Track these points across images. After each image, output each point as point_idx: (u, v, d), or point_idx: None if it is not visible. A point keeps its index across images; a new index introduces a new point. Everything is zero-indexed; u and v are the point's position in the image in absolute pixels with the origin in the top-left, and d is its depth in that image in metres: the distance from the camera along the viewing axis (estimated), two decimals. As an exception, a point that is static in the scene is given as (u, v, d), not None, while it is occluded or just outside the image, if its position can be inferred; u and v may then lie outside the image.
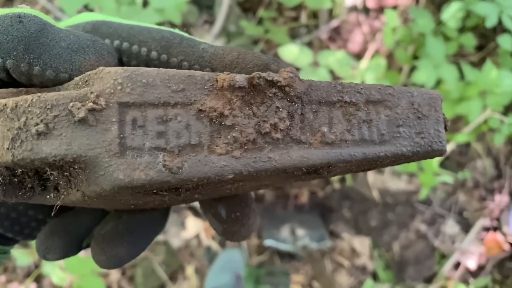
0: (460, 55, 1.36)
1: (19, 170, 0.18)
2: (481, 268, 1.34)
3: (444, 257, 1.35)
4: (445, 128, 0.24)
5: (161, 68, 0.18)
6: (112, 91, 0.17)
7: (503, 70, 1.10)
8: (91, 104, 0.16)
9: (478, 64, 1.36)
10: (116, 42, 0.22)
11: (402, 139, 0.21)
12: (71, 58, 0.18)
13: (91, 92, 0.17)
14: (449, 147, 1.36)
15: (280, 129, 0.19)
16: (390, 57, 1.32)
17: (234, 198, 0.23)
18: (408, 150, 0.21)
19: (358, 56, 1.37)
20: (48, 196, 0.19)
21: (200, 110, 0.18)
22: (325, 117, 0.20)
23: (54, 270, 1.13)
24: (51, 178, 0.19)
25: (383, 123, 0.21)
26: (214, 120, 0.18)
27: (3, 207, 0.24)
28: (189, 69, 0.21)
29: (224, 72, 0.19)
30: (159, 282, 1.25)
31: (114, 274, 1.24)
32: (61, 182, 0.19)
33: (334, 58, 1.10)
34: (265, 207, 1.31)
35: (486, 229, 1.38)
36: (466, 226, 1.39)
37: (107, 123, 0.17)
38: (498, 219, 1.38)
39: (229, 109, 0.18)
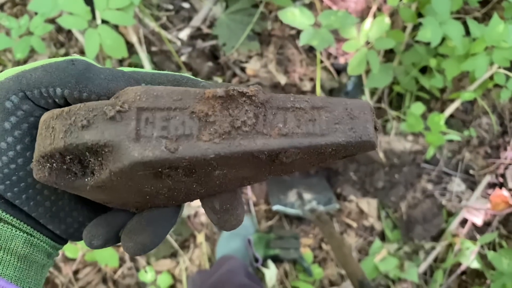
0: (464, 12, 1.34)
1: (68, 158, 0.26)
2: (487, 224, 1.36)
3: (451, 215, 1.36)
4: (375, 128, 0.29)
5: (167, 86, 0.26)
6: (133, 100, 0.25)
7: (510, 24, 1.08)
8: (119, 107, 0.24)
9: (482, 20, 1.33)
10: (143, 84, 0.28)
11: (338, 132, 0.28)
12: (108, 85, 0.26)
13: (119, 100, 0.25)
14: (454, 105, 1.35)
15: (248, 124, 0.26)
16: (393, 15, 1.29)
17: (225, 194, 0.30)
18: (343, 140, 0.28)
19: (361, 17, 1.34)
20: (86, 180, 0.26)
21: (192, 112, 0.25)
22: (281, 117, 0.27)
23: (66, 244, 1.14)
24: (90, 164, 0.26)
25: (323, 122, 0.28)
26: (201, 119, 0.25)
27: (55, 206, 0.29)
28: None
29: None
30: (171, 251, 1.27)
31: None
32: (96, 167, 0.26)
33: (335, 17, 1.08)
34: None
35: (492, 185, 1.39)
36: (472, 184, 1.39)
37: (128, 120, 0.24)
38: (503, 176, 1.39)
39: (212, 111, 0.26)
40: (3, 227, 0.27)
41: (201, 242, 1.27)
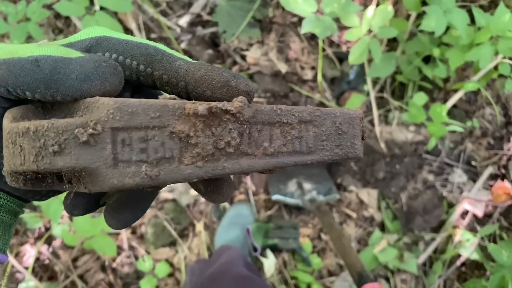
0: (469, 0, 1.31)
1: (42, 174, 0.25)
2: (488, 216, 1.35)
3: (451, 206, 1.35)
4: (363, 138, 0.30)
5: (141, 99, 0.24)
6: (106, 119, 0.22)
7: (516, 13, 1.05)
8: (91, 130, 0.22)
9: (488, 9, 1.31)
10: (114, 56, 0.27)
11: (324, 150, 0.28)
12: (81, 87, 0.24)
13: (91, 120, 0.22)
14: (457, 96, 1.33)
15: (232, 145, 0.25)
16: (397, 3, 1.27)
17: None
18: (328, 158, 0.28)
19: (364, 4, 1.32)
20: (64, 186, 0.26)
21: (172, 132, 0.24)
22: (267, 135, 0.27)
23: (64, 232, 1.14)
24: (66, 176, 0.25)
25: (311, 138, 0.28)
26: (182, 139, 0.24)
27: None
28: (167, 82, 0.27)
29: (191, 101, 0.25)
30: (170, 239, 1.27)
31: (124, 234, 1.25)
32: (73, 178, 0.25)
33: (338, 4, 1.06)
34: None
35: (494, 177, 1.38)
36: (474, 175, 1.38)
37: (103, 143, 0.22)
38: (506, 167, 1.38)
39: (193, 131, 0.24)
40: None
41: (200, 231, 1.26)
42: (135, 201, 0.29)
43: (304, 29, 1.05)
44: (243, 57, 1.36)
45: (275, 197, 1.29)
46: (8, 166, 0.24)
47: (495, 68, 1.23)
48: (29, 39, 1.24)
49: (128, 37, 0.28)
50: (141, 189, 0.26)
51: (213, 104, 0.25)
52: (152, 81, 0.27)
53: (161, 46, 0.28)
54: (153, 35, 1.31)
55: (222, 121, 0.25)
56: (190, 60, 0.28)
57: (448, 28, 1.15)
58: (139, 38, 0.28)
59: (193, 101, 0.25)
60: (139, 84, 0.28)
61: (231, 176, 0.30)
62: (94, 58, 0.24)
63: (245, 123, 0.26)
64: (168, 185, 0.26)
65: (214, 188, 0.29)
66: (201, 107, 0.24)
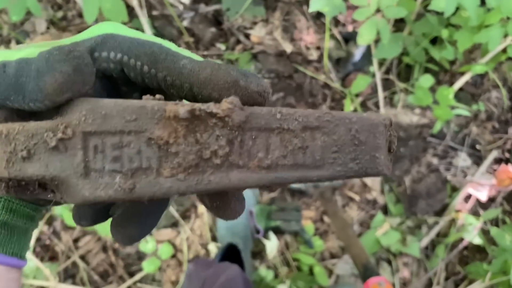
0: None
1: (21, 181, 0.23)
2: (491, 200, 1.35)
3: (455, 190, 1.35)
4: (390, 150, 0.24)
5: (118, 99, 0.21)
6: (77, 122, 0.20)
7: (528, -6, 1.03)
8: (60, 134, 0.20)
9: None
10: (119, 55, 0.24)
11: (335, 164, 0.23)
12: (39, 85, 0.20)
13: (61, 123, 0.20)
14: (464, 79, 1.31)
15: (220, 155, 0.21)
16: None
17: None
18: (341, 174, 0.23)
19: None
20: (48, 195, 0.23)
21: (150, 138, 0.21)
22: (263, 144, 0.22)
23: (65, 213, 1.13)
24: (47, 185, 0.23)
25: (318, 149, 0.23)
26: (161, 147, 0.21)
27: None
28: (172, 84, 0.24)
29: (171, 102, 0.22)
30: (172, 221, 1.26)
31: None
32: (53, 188, 0.22)
33: (348, -16, 1.03)
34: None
35: (498, 161, 1.37)
36: (478, 159, 1.37)
37: (74, 149, 0.20)
38: (510, 151, 1.37)
39: (174, 138, 0.21)
40: None
41: (202, 213, 1.26)
42: (142, 215, 0.27)
43: (312, 7, 1.02)
44: (247, 36, 1.33)
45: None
46: None
47: (503, 50, 1.21)
48: (28, 14, 1.20)
49: (135, 33, 0.26)
50: (143, 202, 0.23)
51: (196, 105, 0.21)
52: (157, 83, 0.24)
53: (167, 43, 0.26)
54: (155, 12, 1.28)
55: (208, 126, 0.22)
56: (197, 58, 0.25)
57: (457, 9, 1.12)
58: (147, 35, 0.26)
59: (176, 102, 0.22)
60: (146, 87, 0.25)
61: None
62: (51, 49, 0.21)
63: (236, 128, 0.22)
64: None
65: (221, 204, 0.26)
66: (183, 109, 0.21)
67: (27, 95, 0.21)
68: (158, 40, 0.25)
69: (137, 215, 0.26)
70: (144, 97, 0.22)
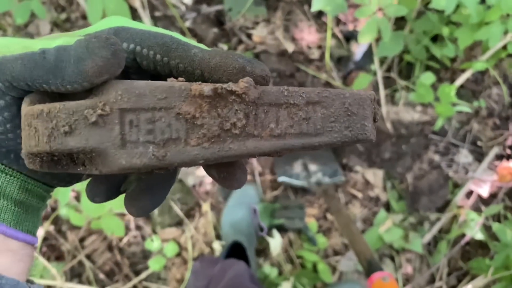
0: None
1: (56, 155, 0.25)
2: (493, 196, 1.36)
3: (457, 186, 1.36)
4: (374, 120, 0.29)
5: (148, 81, 0.24)
6: (114, 100, 0.23)
7: (528, -9, 1.04)
8: (100, 111, 0.23)
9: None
10: (132, 46, 0.27)
11: (333, 132, 0.27)
12: (78, 69, 0.23)
13: (100, 102, 0.23)
14: (465, 76, 1.32)
15: (238, 126, 0.25)
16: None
17: (221, 163, 0.29)
18: (337, 140, 0.27)
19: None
20: (78, 169, 0.25)
21: (178, 113, 0.24)
22: (273, 116, 0.26)
23: (71, 212, 1.14)
24: (79, 159, 0.25)
25: (319, 120, 0.27)
26: (188, 120, 0.24)
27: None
28: (184, 70, 0.27)
29: (197, 82, 0.25)
30: (177, 220, 1.27)
31: (131, 213, 1.26)
32: (86, 162, 0.25)
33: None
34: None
35: (500, 157, 1.38)
36: (479, 155, 1.38)
37: (111, 124, 0.23)
38: (511, 147, 1.38)
39: (199, 112, 0.24)
40: None
41: (206, 211, 1.27)
42: (153, 188, 0.30)
43: (315, 6, 1.03)
44: (249, 36, 1.34)
45: (281, 179, 1.29)
46: (25, 148, 0.25)
47: (504, 47, 1.22)
48: (32, 17, 1.21)
49: (145, 26, 0.28)
50: (153, 172, 0.26)
51: (218, 85, 0.25)
52: (169, 70, 0.27)
53: (176, 35, 0.28)
54: (157, 13, 1.29)
55: (228, 102, 0.25)
56: (206, 48, 0.28)
57: (457, 7, 1.13)
58: (156, 27, 0.29)
59: (200, 82, 0.25)
60: (157, 74, 0.28)
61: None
62: (87, 37, 0.24)
63: (251, 104, 0.25)
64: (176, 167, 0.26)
65: (227, 174, 0.29)
66: (207, 88, 0.24)
67: (66, 78, 0.23)
68: (168, 32, 0.28)
69: (149, 189, 0.30)
70: (168, 79, 0.25)
